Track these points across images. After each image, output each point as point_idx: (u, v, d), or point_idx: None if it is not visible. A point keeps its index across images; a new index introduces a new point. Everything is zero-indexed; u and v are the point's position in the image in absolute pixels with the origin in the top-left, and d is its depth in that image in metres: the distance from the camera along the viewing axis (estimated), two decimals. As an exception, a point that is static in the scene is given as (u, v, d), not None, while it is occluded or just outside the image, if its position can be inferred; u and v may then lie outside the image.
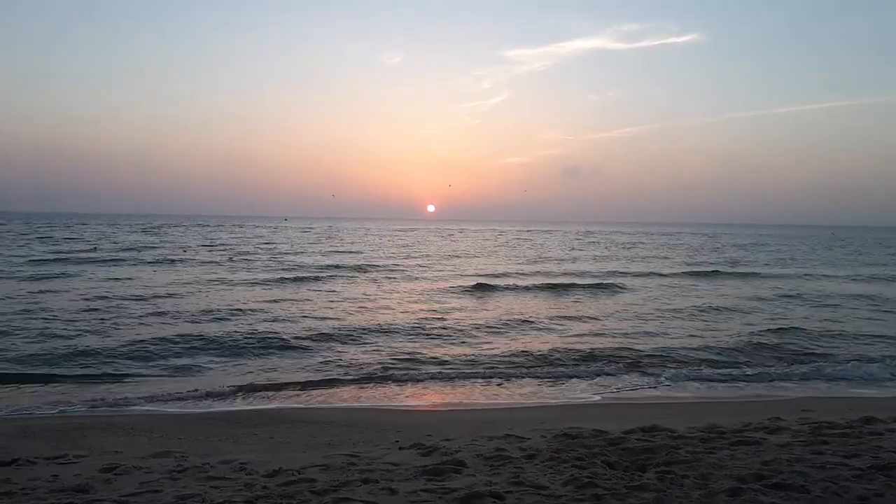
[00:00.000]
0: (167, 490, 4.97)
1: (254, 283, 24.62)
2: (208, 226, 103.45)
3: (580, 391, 10.54)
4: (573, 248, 56.30)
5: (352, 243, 58.46)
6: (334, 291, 23.03)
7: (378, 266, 33.68)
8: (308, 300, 20.52)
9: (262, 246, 50.00)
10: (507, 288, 24.95)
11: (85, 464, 5.93)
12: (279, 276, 26.98)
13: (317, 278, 27.01)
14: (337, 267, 32.14)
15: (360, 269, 31.62)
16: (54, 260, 32.32)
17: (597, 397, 10.18)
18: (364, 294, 22.50)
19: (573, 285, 26.00)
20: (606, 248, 58.36)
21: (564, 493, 4.75)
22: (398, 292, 23.35)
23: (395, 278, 28.28)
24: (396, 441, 6.80)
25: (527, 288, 25.04)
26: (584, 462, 5.53)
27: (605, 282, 27.22)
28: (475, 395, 10.25)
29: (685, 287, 26.63)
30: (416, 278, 28.60)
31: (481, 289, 24.33)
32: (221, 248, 47.03)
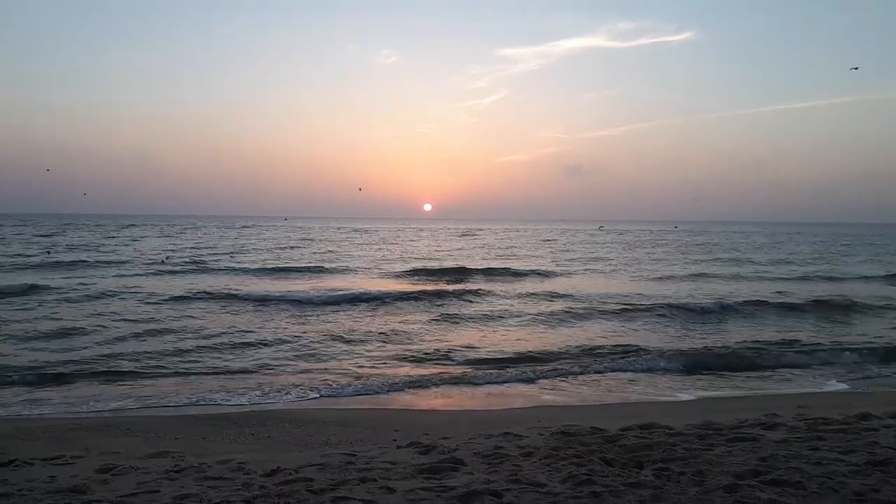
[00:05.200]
0: (165, 490, 4.96)
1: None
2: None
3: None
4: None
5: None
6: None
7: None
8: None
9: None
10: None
11: (82, 464, 5.91)
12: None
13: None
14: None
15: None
16: None
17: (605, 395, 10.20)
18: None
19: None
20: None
21: (562, 490, 4.76)
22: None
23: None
24: (394, 440, 6.80)
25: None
26: (581, 459, 5.54)
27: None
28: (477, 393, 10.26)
29: None
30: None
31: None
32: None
